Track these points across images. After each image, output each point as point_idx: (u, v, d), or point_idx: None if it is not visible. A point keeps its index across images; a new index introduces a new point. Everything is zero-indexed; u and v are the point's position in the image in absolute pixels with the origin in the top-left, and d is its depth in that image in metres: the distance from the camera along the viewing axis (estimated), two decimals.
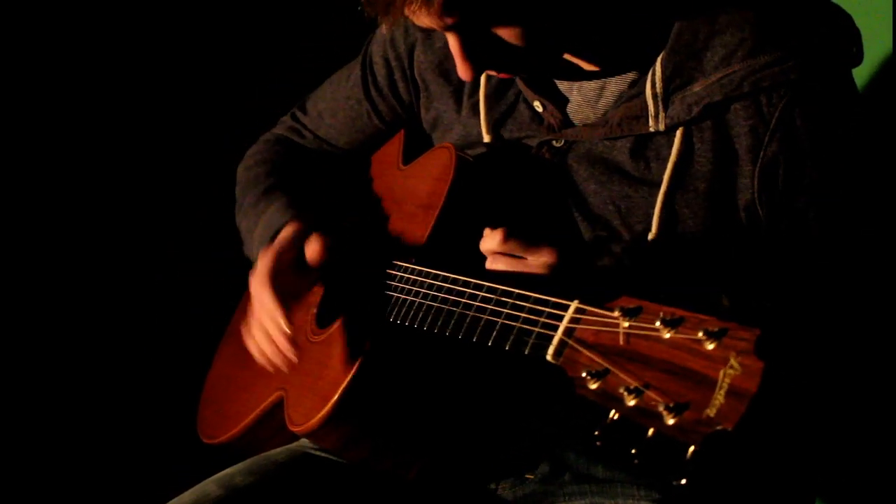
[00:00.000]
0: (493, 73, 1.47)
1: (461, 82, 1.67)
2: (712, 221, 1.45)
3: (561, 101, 1.55)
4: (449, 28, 1.36)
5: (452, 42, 1.38)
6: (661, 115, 1.44)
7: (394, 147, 1.80)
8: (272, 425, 1.68)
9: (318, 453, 1.67)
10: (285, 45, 2.48)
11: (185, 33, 2.44)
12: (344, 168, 1.91)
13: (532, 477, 1.60)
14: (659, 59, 1.44)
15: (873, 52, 1.93)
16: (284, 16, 2.49)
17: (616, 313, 1.11)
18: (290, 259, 1.59)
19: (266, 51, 2.49)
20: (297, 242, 1.61)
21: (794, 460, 1.37)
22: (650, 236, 1.46)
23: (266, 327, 1.55)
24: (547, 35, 1.40)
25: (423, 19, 1.32)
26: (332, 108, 1.87)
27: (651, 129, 1.45)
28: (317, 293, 1.73)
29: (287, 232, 1.62)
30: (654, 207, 1.46)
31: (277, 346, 1.55)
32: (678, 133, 1.44)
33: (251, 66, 2.45)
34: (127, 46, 2.39)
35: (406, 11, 1.31)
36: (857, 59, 1.46)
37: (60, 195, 2.36)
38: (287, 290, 1.57)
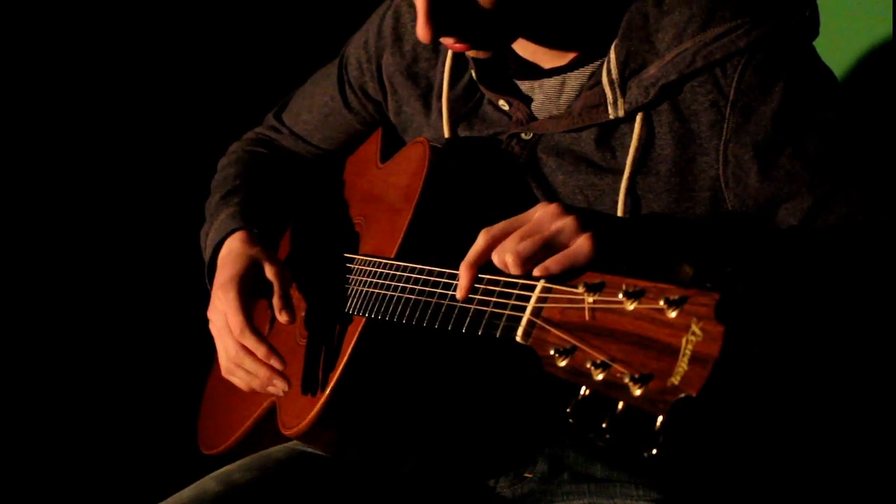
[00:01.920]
0: (450, 41, 1.45)
1: (429, 86, 1.69)
2: (677, 206, 1.45)
3: (525, 99, 1.57)
4: None
5: (419, 1, 1.38)
6: (620, 101, 1.44)
7: (371, 146, 1.81)
8: (269, 431, 1.68)
9: (316, 451, 1.68)
10: (280, 46, 2.49)
11: (180, 34, 2.45)
12: (321, 168, 1.92)
13: (531, 476, 1.59)
14: (613, 46, 1.45)
15: (874, 48, 1.91)
16: (275, 16, 2.50)
17: (580, 289, 1.10)
18: (249, 286, 1.63)
19: (261, 52, 2.50)
20: (252, 270, 1.65)
21: (762, 419, 1.36)
22: None
23: (245, 364, 1.60)
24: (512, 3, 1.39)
25: None
26: (310, 105, 1.90)
27: (611, 117, 1.45)
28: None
29: (234, 248, 1.68)
30: (619, 195, 1.46)
31: (265, 375, 1.59)
32: (638, 118, 1.44)
33: (248, 67, 2.47)
34: (122, 47, 2.40)
35: None
36: (813, 24, 1.44)
37: (57, 197, 2.37)
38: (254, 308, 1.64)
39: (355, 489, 1.63)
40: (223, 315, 1.62)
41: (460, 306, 1.29)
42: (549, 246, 1.16)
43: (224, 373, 1.65)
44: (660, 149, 1.44)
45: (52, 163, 2.36)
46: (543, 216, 1.19)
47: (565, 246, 1.15)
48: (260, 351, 1.58)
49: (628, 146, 1.45)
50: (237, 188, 1.83)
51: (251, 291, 1.63)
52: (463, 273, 1.25)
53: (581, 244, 1.15)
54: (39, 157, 2.34)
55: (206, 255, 1.76)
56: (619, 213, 1.46)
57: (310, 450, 1.68)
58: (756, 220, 1.43)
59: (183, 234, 1.93)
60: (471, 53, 1.48)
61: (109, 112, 2.41)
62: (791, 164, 1.39)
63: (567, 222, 1.17)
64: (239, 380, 1.63)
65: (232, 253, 1.69)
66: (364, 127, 1.85)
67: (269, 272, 1.65)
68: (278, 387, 1.58)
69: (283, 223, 1.87)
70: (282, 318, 1.60)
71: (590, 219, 1.18)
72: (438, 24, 1.39)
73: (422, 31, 1.39)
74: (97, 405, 2.41)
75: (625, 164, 1.45)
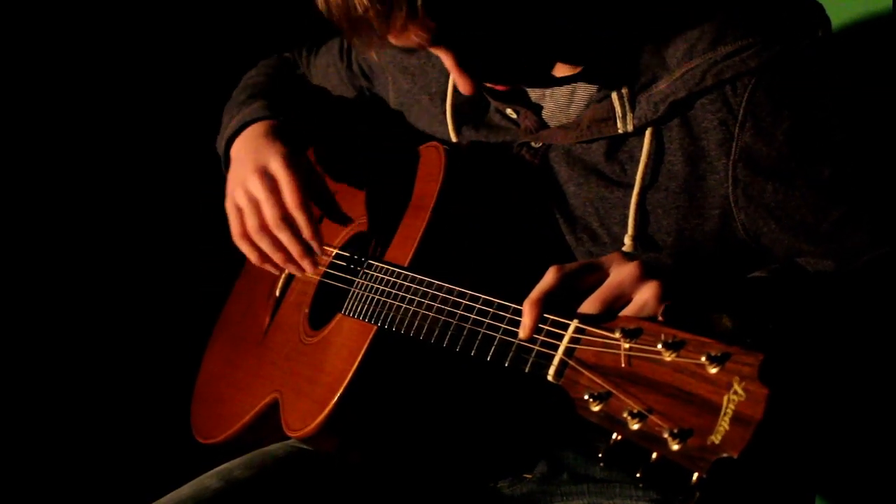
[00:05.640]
0: (491, 85, 1.45)
1: (437, 84, 1.67)
2: (686, 222, 1.44)
3: (534, 107, 1.55)
4: (437, 42, 1.33)
5: (446, 58, 1.37)
6: (629, 115, 1.43)
7: None
8: (269, 426, 1.67)
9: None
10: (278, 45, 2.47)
11: (179, 34, 2.42)
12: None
13: (530, 476, 1.60)
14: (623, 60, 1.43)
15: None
16: (275, 15, 2.46)
17: (617, 334, 1.09)
18: (306, 165, 1.64)
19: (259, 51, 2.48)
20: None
21: (799, 474, 1.37)
22: (627, 238, 1.45)
23: (281, 234, 1.58)
24: (534, 38, 1.38)
25: (411, 38, 1.31)
26: (325, 73, 1.91)
27: (619, 131, 1.44)
28: (307, 293, 1.72)
29: (274, 127, 1.67)
30: (629, 209, 1.45)
31: (297, 251, 1.58)
32: (647, 133, 1.43)
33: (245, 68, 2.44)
34: (122, 47, 2.36)
35: (391, 38, 1.30)
36: (826, 44, 1.42)
37: (51, 193, 2.34)
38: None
39: (355, 488, 1.63)
40: (269, 179, 1.58)
41: (484, 332, 1.28)
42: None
43: (239, 236, 1.62)
44: (670, 164, 1.43)
45: (48, 163, 2.32)
46: (625, 280, 1.16)
47: (651, 314, 1.13)
48: (307, 231, 1.57)
49: (638, 160, 1.44)
50: (266, 91, 1.80)
51: (307, 166, 1.63)
52: (528, 310, 1.19)
53: (653, 301, 1.13)
54: (37, 157, 2.30)
55: (226, 135, 1.73)
56: (630, 227, 1.45)
57: (310, 448, 1.67)
58: (769, 247, 1.43)
59: (175, 228, 1.92)
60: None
61: (107, 112, 2.37)
62: (806, 189, 1.38)
63: (652, 288, 1.14)
64: (257, 250, 1.61)
65: (270, 132, 1.67)
66: (373, 98, 1.86)
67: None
68: (304, 267, 1.58)
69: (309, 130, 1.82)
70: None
71: (667, 276, 1.16)
72: (475, 74, 1.38)
73: (463, 86, 1.38)
74: (95, 401, 2.38)
75: (635, 178, 1.44)
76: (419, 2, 1.24)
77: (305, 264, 1.59)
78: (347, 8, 1.27)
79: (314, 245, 1.58)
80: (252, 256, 1.63)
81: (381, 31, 1.27)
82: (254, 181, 1.60)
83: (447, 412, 1.54)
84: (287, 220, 1.57)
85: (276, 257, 1.60)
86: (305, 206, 1.57)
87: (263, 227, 1.59)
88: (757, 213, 1.41)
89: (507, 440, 1.60)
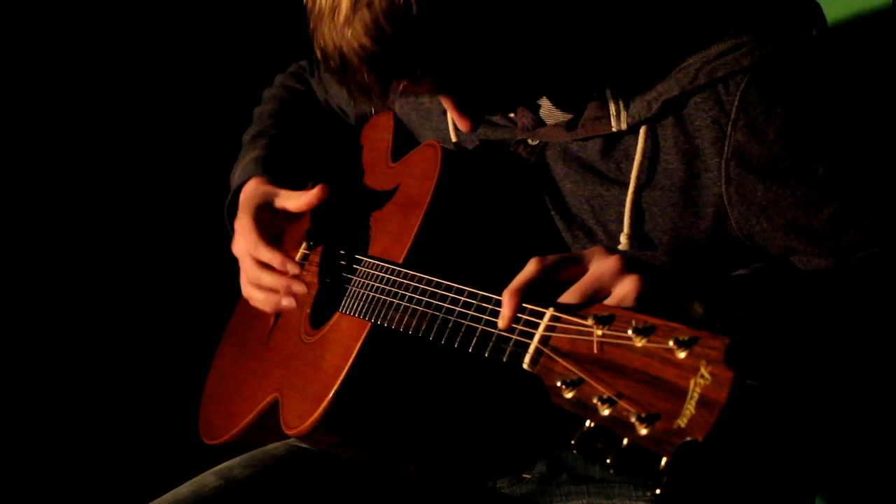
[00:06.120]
0: (492, 117, 1.51)
1: None
2: (681, 220, 1.44)
3: (531, 105, 1.56)
4: (439, 93, 1.39)
5: (446, 102, 1.41)
6: (623, 114, 1.44)
7: (384, 142, 1.79)
8: (270, 426, 1.68)
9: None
10: (283, 45, 2.50)
11: (184, 33, 2.45)
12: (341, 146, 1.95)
13: (529, 477, 1.60)
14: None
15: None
16: (280, 15, 2.49)
17: (590, 321, 1.10)
18: (263, 214, 1.71)
19: (266, 50, 2.50)
20: (265, 201, 1.72)
21: (781, 464, 1.36)
22: (623, 236, 1.45)
23: (263, 280, 1.66)
24: (528, 72, 1.41)
25: (411, 92, 1.37)
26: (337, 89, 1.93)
27: (613, 129, 1.45)
28: (310, 293, 1.74)
29: (250, 189, 1.75)
30: (624, 206, 1.45)
31: (284, 285, 1.64)
32: (642, 131, 1.43)
33: (249, 67, 2.47)
34: (125, 46, 2.39)
35: (400, 90, 1.35)
36: (821, 41, 1.41)
37: (59, 195, 2.37)
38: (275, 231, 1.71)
39: (354, 487, 1.64)
40: (242, 242, 1.68)
41: (467, 325, 1.28)
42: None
43: (249, 300, 1.71)
44: (665, 163, 1.43)
45: (52, 163, 2.36)
46: (605, 273, 1.16)
47: (631, 304, 1.13)
48: (276, 260, 1.64)
49: (633, 159, 1.45)
50: (267, 129, 1.89)
51: (266, 218, 1.70)
52: (507, 300, 1.20)
53: (633, 295, 1.13)
54: (40, 156, 2.34)
55: (230, 192, 1.83)
56: (626, 225, 1.45)
57: (310, 447, 1.68)
58: (762, 245, 1.42)
59: (181, 230, 1.93)
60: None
61: (109, 112, 2.41)
62: (798, 188, 1.38)
63: (631, 281, 1.14)
64: (261, 301, 1.68)
65: (248, 194, 1.75)
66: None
67: (280, 199, 1.72)
68: (298, 291, 1.63)
69: (307, 163, 1.90)
70: (314, 196, 1.67)
71: (646, 270, 1.16)
72: (474, 114, 1.43)
73: (463, 126, 1.44)
74: (95, 401, 2.41)
75: (630, 176, 1.45)
76: (418, 70, 1.31)
77: (296, 288, 1.64)
78: (353, 77, 1.34)
79: (289, 268, 1.64)
80: (265, 308, 1.70)
81: (382, 97, 1.35)
82: (234, 247, 1.72)
83: (445, 411, 1.54)
84: (260, 264, 1.66)
85: (274, 301, 1.67)
86: (266, 242, 1.65)
87: (249, 283, 1.69)
88: (750, 212, 1.40)
89: (506, 440, 1.61)
